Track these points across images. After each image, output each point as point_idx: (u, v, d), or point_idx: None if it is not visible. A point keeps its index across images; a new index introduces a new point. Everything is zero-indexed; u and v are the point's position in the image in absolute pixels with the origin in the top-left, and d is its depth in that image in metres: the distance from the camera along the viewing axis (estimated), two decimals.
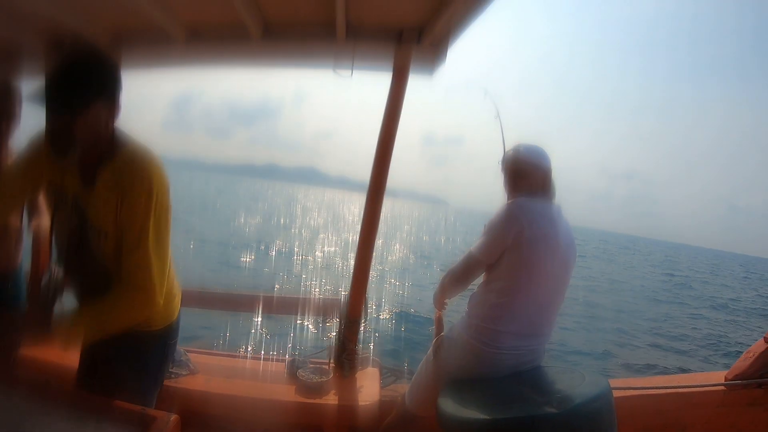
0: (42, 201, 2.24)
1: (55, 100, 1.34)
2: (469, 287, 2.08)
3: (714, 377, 3.00)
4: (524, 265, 1.84)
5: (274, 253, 20.68)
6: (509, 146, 2.21)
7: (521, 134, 2.15)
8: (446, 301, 2.25)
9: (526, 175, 2.01)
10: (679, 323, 15.33)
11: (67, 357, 1.82)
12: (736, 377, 2.88)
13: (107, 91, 1.43)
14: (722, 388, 2.87)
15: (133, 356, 1.61)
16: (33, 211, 2.23)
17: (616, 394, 2.75)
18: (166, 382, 2.41)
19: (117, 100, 1.46)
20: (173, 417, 1.24)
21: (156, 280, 1.45)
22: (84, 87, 1.35)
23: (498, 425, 1.51)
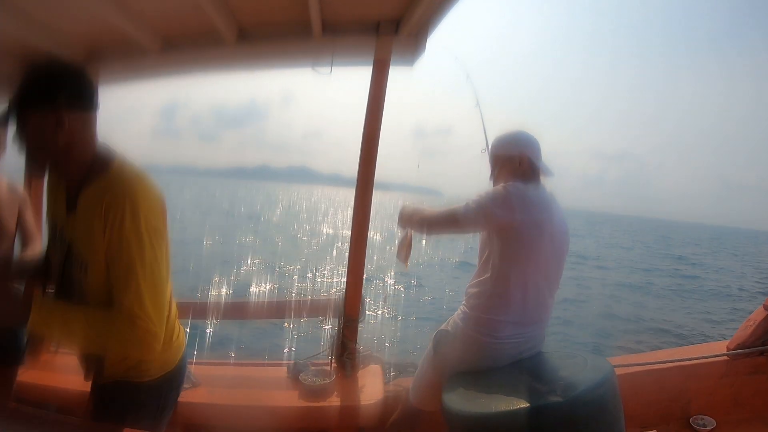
0: (33, 228, 2.21)
1: (22, 106, 1.26)
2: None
3: (716, 348, 3.01)
4: (518, 253, 1.82)
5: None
6: (496, 133, 2.18)
7: (513, 121, 2.14)
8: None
9: (502, 165, 2.00)
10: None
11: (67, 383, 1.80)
12: (737, 346, 2.90)
13: (79, 99, 1.29)
14: (725, 358, 2.89)
15: (126, 409, 1.42)
16: (26, 239, 2.19)
17: (618, 371, 2.76)
18: None
19: (91, 111, 1.32)
20: None
21: (151, 313, 1.23)
22: (50, 89, 1.25)
23: (503, 418, 1.49)
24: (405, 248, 2.22)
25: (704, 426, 2.74)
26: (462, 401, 1.66)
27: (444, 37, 2.52)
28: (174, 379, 1.51)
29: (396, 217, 2.20)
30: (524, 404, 1.49)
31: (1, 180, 2.08)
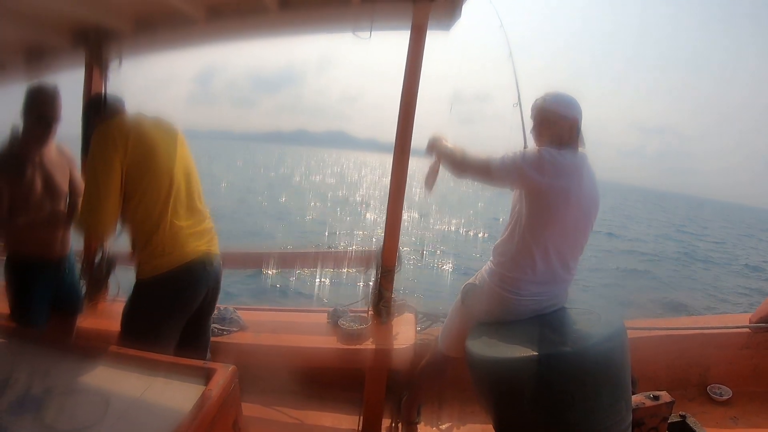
0: (82, 185, 2.46)
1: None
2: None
3: (739, 319, 3.04)
4: (544, 217, 1.90)
5: None
6: (539, 92, 2.17)
7: (550, 86, 2.13)
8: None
9: (552, 124, 1.99)
10: None
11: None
12: (760, 320, 2.93)
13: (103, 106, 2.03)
14: (747, 330, 2.93)
15: (130, 298, 1.99)
16: (75, 195, 2.42)
17: (640, 333, 2.86)
18: (220, 339, 2.66)
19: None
20: (231, 368, 1.42)
21: (85, 206, 1.83)
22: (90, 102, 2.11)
23: (517, 363, 1.64)
24: (432, 176, 2.24)
25: (720, 395, 2.81)
26: (482, 347, 1.81)
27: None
28: (167, 284, 1.91)
29: (426, 144, 2.23)
30: (537, 352, 1.63)
31: (52, 144, 2.29)
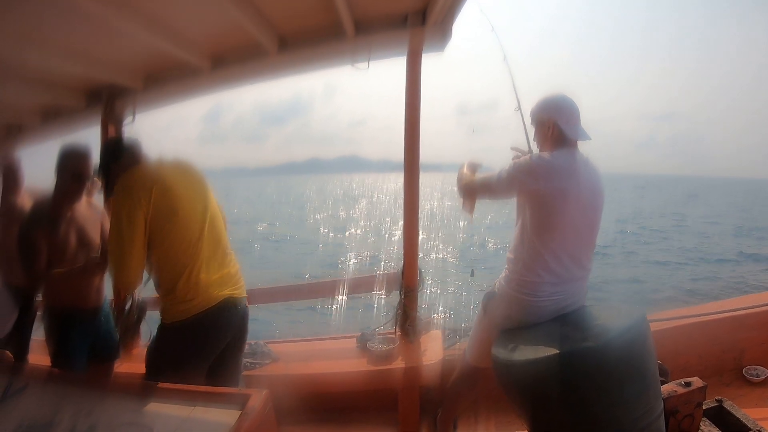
0: None
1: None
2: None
3: (766, 297, 3.01)
4: (546, 220, 1.94)
5: None
6: (539, 94, 2.18)
7: (550, 85, 2.17)
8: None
9: (544, 126, 2.05)
10: None
11: None
12: None
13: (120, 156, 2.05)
14: None
15: (154, 341, 2.06)
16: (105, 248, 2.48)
17: (669, 324, 2.84)
18: (253, 372, 2.72)
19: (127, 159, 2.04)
20: (264, 392, 1.48)
21: (111, 259, 1.92)
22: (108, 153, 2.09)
23: (540, 364, 1.65)
24: (466, 201, 2.31)
25: (757, 376, 2.78)
26: (507, 352, 1.84)
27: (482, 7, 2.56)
28: (189, 329, 1.96)
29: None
30: (558, 351, 1.65)
31: (83, 200, 2.42)
